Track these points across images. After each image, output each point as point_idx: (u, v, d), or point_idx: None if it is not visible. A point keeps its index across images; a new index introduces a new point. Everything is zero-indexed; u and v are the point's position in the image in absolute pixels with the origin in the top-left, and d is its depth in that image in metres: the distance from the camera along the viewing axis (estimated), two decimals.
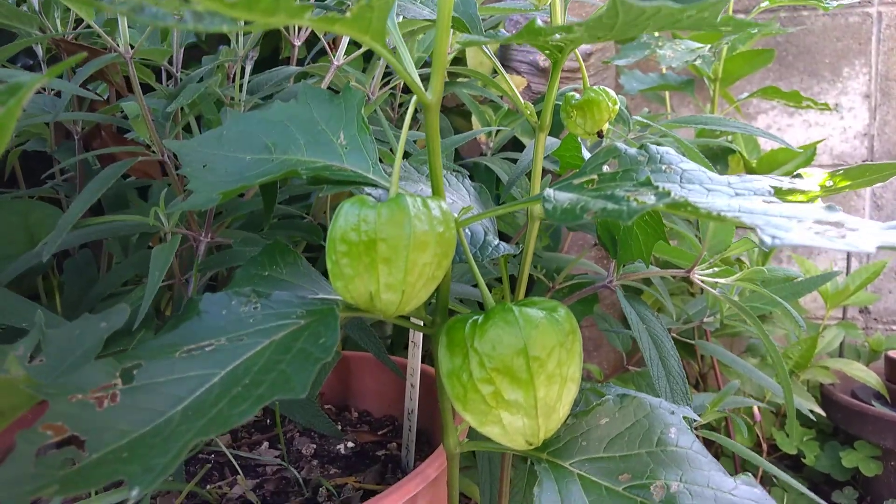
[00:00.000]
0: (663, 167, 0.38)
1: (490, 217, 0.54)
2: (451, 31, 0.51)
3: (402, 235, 0.37)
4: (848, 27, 1.60)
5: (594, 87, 0.53)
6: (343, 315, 0.41)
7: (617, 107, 0.54)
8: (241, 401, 0.30)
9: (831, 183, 0.44)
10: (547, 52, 0.45)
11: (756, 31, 1.20)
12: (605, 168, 0.40)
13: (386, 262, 0.38)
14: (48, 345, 0.43)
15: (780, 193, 0.43)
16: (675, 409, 0.49)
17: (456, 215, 0.44)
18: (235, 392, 0.32)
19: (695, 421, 0.77)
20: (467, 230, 0.50)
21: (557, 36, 0.37)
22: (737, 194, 0.37)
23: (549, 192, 0.36)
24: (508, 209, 0.41)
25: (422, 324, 0.50)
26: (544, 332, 0.41)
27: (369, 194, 0.45)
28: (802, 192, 0.43)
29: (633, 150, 0.39)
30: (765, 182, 0.39)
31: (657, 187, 0.32)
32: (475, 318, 0.43)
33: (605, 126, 0.55)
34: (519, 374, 0.41)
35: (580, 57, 0.54)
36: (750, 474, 0.46)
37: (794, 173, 0.43)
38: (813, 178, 0.44)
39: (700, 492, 0.43)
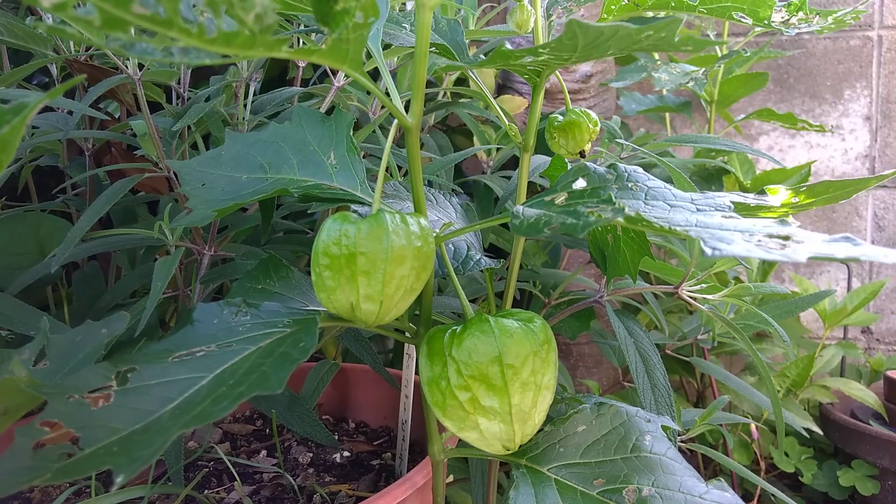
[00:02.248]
0: (630, 185, 0.41)
1: (474, 233, 0.56)
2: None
3: (380, 249, 0.40)
4: (849, 50, 1.62)
5: (575, 109, 0.56)
6: (325, 324, 0.43)
7: (598, 128, 0.56)
8: (223, 398, 0.33)
9: (796, 200, 0.46)
10: (525, 76, 0.48)
11: (746, 52, 1.22)
12: (578, 185, 0.42)
13: (365, 275, 0.40)
14: (52, 349, 0.45)
15: (746, 209, 0.45)
16: (653, 418, 0.51)
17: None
18: (220, 392, 0.34)
19: (676, 430, 0.79)
20: (450, 245, 0.52)
21: (528, 59, 0.39)
22: (698, 210, 0.39)
23: (519, 208, 0.38)
24: (483, 225, 0.44)
25: (408, 335, 0.52)
26: (519, 341, 0.43)
27: (356, 211, 0.47)
28: (769, 208, 0.45)
29: (601, 169, 0.41)
30: (727, 199, 0.41)
31: (615, 203, 0.34)
32: (454, 328, 0.45)
33: (587, 146, 0.57)
34: (494, 382, 0.43)
35: (566, 80, 0.57)
36: (722, 480, 0.47)
37: (760, 190, 0.45)
38: (777, 196, 0.46)
39: (671, 496, 0.45)
